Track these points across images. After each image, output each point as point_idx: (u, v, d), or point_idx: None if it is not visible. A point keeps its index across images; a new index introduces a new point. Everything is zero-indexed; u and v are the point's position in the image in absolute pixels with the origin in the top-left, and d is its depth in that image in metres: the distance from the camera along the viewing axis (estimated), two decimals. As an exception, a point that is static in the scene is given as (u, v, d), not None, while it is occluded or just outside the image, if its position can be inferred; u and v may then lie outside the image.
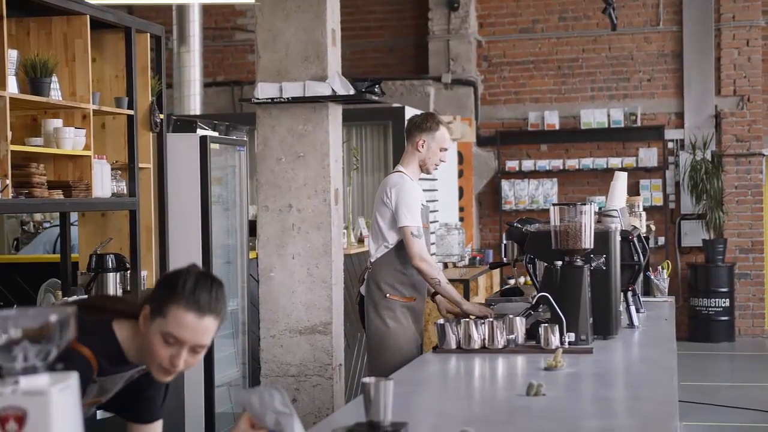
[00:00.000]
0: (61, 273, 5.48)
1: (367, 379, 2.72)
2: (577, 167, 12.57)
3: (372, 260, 5.23)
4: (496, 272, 11.17)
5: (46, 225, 8.91)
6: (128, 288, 5.51)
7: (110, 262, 5.33)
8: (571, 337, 4.23)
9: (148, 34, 5.80)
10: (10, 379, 1.73)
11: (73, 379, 1.79)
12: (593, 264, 4.42)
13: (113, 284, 5.33)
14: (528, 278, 12.08)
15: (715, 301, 12.05)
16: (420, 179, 9.03)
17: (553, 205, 4.42)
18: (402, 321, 5.11)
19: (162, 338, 2.52)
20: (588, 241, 4.35)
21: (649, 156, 12.46)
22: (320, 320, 5.74)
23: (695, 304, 12.16)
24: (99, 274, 5.31)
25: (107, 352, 2.59)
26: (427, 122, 5.24)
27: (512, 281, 12.24)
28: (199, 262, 6.23)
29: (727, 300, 12.07)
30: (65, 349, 2.38)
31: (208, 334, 2.54)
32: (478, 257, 10.97)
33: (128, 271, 5.48)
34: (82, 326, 2.51)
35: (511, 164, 12.76)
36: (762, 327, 12.45)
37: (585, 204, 4.37)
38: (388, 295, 5.13)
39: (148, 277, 5.77)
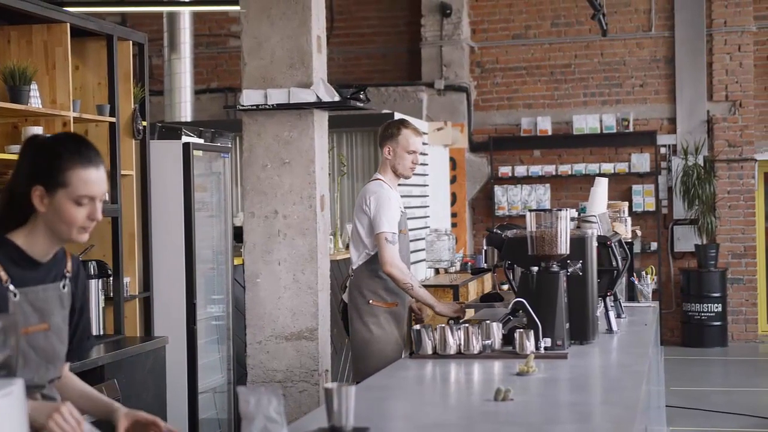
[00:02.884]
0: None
1: (328, 385, 2.74)
2: (569, 173, 12.59)
3: (354, 267, 5.32)
4: (488, 278, 11.19)
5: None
6: (111, 295, 5.53)
7: (92, 268, 5.34)
8: (547, 342, 4.24)
9: (131, 42, 5.82)
10: (-49, 385, 1.74)
11: (17, 385, 1.80)
12: (569, 270, 4.43)
13: (95, 291, 5.34)
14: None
15: (708, 306, 12.06)
16: (408, 185, 9.04)
17: (530, 210, 4.43)
18: (385, 327, 5.17)
19: (74, 203, 2.64)
20: (564, 247, 4.36)
21: (641, 161, 12.47)
22: (306, 326, 5.75)
23: (688, 309, 12.16)
24: (81, 280, 5.32)
25: (10, 258, 2.65)
26: (388, 129, 5.38)
27: (505, 287, 12.25)
28: (183, 269, 6.25)
29: (720, 305, 12.08)
30: None
31: (105, 182, 2.72)
32: (470, 263, 10.98)
33: (110, 278, 5.49)
34: None
35: (504, 170, 12.78)
36: (755, 332, 12.45)
37: (561, 210, 4.38)
38: (370, 301, 5.22)
39: (131, 283, 5.78)
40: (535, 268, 4.37)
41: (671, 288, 12.49)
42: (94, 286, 5.35)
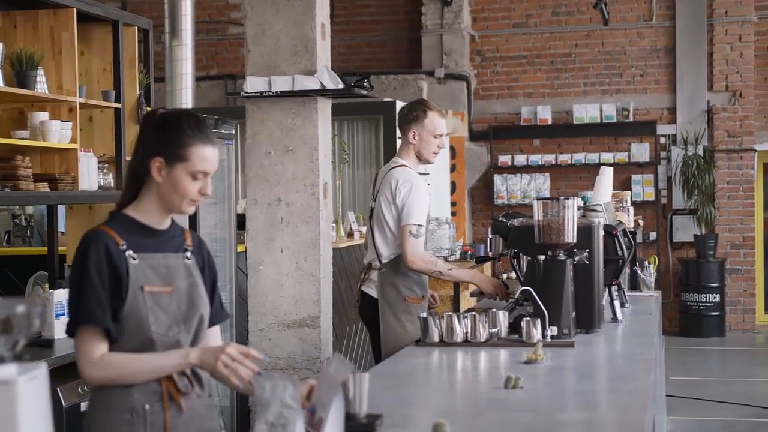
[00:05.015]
0: (48, 266, 5.49)
1: (342, 372, 2.74)
2: (569, 162, 12.60)
3: (383, 261, 5.08)
4: (488, 266, 11.20)
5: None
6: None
7: (97, 255, 5.33)
8: (553, 330, 4.24)
9: (136, 28, 5.81)
10: (-24, 369, 1.74)
11: (41, 369, 1.80)
12: (576, 258, 4.43)
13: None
14: (519, 273, 12.06)
15: (706, 297, 12.09)
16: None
17: (537, 199, 4.43)
18: (417, 322, 5.03)
19: (190, 177, 2.79)
20: (571, 236, 4.36)
21: (641, 151, 12.48)
22: (308, 314, 5.76)
23: (686, 299, 12.19)
24: (86, 266, 5.31)
25: (125, 227, 2.81)
26: (413, 112, 5.12)
27: (505, 276, 12.26)
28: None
29: (718, 295, 12.11)
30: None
31: (218, 160, 2.87)
32: (469, 252, 10.99)
33: (115, 264, 5.48)
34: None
35: (504, 159, 12.79)
36: (752, 322, 12.49)
37: (568, 199, 4.38)
38: (407, 298, 5.03)
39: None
40: (542, 257, 4.37)
41: (670, 278, 12.51)
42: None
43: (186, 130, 2.80)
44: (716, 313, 12.12)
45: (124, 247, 2.77)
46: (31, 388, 1.76)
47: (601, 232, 4.65)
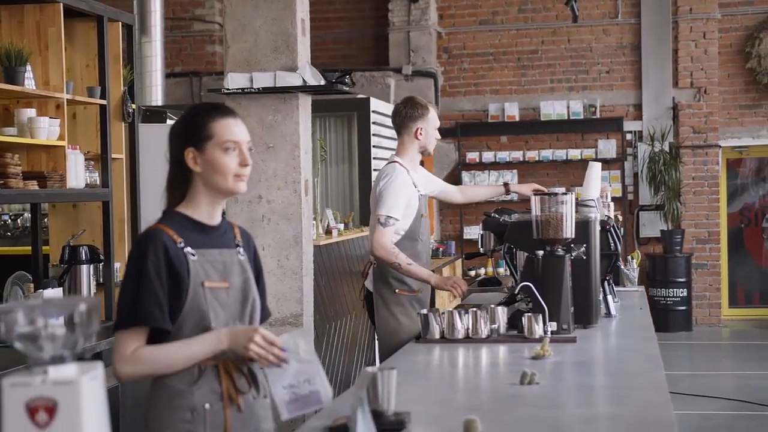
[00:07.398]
0: (32, 265, 5.39)
1: (371, 369, 2.71)
2: (537, 159, 12.64)
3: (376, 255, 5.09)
4: (459, 263, 11.23)
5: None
6: (101, 280, 5.45)
7: (83, 254, 5.26)
8: (553, 326, 4.24)
9: (120, 23, 5.72)
10: (38, 369, 1.71)
11: (99, 368, 1.76)
12: (574, 253, 4.43)
13: (86, 276, 5.26)
14: (491, 269, 12.08)
15: (673, 291, 12.19)
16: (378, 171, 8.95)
17: (535, 194, 4.42)
18: (412, 315, 5.00)
19: (222, 151, 2.79)
20: (569, 231, 4.36)
21: (608, 147, 12.56)
22: (291, 312, 5.74)
23: (653, 294, 12.27)
24: (72, 266, 5.24)
25: (180, 223, 2.80)
26: (417, 110, 5.21)
27: (472, 273, 12.29)
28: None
29: (685, 290, 12.22)
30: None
31: (246, 131, 2.87)
32: (440, 249, 11.02)
33: (101, 263, 5.41)
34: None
35: (472, 156, 12.81)
36: (718, 316, 12.61)
37: (566, 193, 4.38)
38: (397, 290, 5.08)
39: (122, 269, 5.69)
40: (541, 252, 4.37)
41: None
42: (86, 271, 5.27)
43: (201, 113, 2.83)
44: (683, 308, 12.24)
45: (182, 244, 2.77)
46: (92, 387, 1.73)
47: (598, 227, 4.66)
